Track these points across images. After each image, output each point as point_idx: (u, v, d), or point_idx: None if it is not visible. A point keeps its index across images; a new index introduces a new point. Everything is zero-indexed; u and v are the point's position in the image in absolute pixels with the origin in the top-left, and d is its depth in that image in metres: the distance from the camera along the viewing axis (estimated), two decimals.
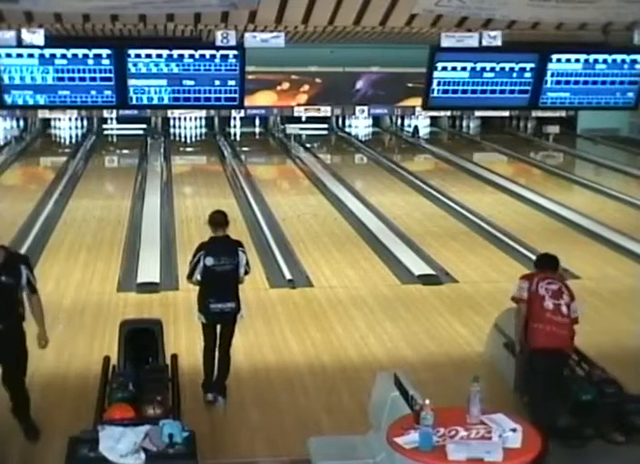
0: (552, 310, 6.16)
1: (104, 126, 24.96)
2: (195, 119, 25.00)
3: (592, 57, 8.28)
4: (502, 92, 8.28)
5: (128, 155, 22.85)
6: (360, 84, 21.70)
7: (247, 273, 6.95)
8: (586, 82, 8.36)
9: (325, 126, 25.40)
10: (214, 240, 6.84)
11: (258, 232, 12.67)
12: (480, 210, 14.21)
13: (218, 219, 6.83)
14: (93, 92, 7.73)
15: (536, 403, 6.06)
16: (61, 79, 7.67)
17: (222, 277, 6.75)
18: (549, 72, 8.25)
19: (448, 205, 14.84)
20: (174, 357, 6.81)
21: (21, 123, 24.28)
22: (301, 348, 8.15)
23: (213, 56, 7.72)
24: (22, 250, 11.47)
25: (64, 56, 7.59)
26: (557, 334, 6.15)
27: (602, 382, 6.38)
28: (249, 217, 13.59)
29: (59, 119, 24.47)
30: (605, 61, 8.30)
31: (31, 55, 7.55)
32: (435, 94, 8.20)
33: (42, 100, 7.77)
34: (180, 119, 24.82)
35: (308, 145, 22.60)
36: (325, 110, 22.73)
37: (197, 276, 6.77)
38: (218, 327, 6.94)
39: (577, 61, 8.30)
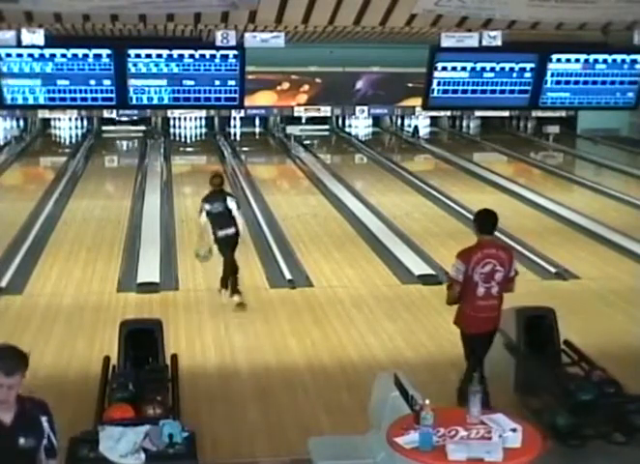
0: (483, 296, 6.31)
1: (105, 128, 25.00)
2: (195, 119, 25.01)
3: (592, 57, 8.28)
4: (502, 92, 8.28)
5: (128, 155, 22.88)
6: (360, 84, 21.70)
7: (238, 209, 9.32)
8: (586, 82, 8.35)
9: (326, 127, 25.40)
10: (211, 192, 9.28)
11: (258, 232, 12.67)
12: None
13: (216, 183, 9.28)
14: (93, 92, 7.74)
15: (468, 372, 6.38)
16: (61, 79, 7.67)
17: (218, 215, 9.17)
18: (549, 72, 8.24)
19: (448, 205, 14.84)
20: (174, 357, 6.81)
21: (21, 123, 24.28)
22: (301, 348, 8.15)
23: (213, 56, 7.72)
24: (22, 250, 11.50)
25: (64, 56, 7.59)
26: (488, 319, 6.42)
27: (602, 382, 6.38)
28: (249, 216, 13.58)
29: (59, 119, 24.48)
30: (605, 61, 8.30)
31: (31, 55, 7.56)
32: (435, 94, 8.20)
33: (41, 99, 7.77)
34: (180, 119, 24.84)
35: (308, 142, 22.61)
36: (325, 110, 22.73)
37: (204, 218, 9.22)
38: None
39: (577, 61, 8.30)
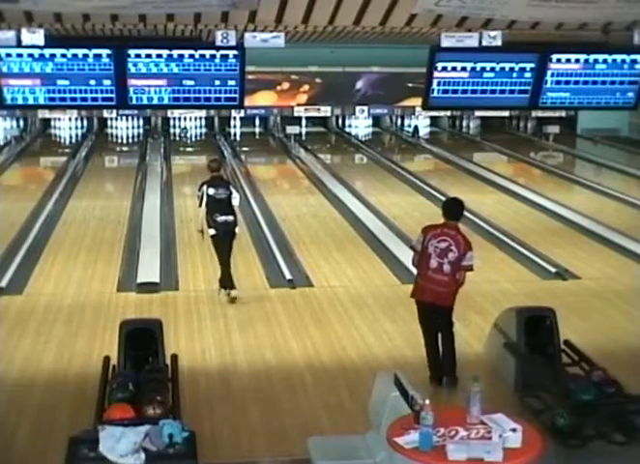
0: (434, 268, 6.92)
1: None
2: (195, 119, 25.03)
3: (592, 57, 8.27)
4: (502, 92, 8.27)
5: (128, 155, 22.90)
6: (360, 84, 21.74)
7: (238, 202, 9.43)
8: (586, 82, 8.35)
9: (323, 129, 25.43)
10: (212, 178, 9.37)
11: (258, 232, 12.68)
12: (480, 210, 14.21)
13: (214, 166, 9.50)
14: (93, 92, 7.73)
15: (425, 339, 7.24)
16: (61, 79, 7.67)
17: (221, 201, 9.21)
18: (549, 72, 8.24)
19: None
20: (174, 357, 6.81)
21: (21, 123, 24.29)
22: (301, 348, 8.15)
23: (213, 56, 7.72)
24: (22, 250, 11.52)
25: (64, 56, 7.59)
26: (433, 291, 6.98)
27: (602, 382, 6.38)
28: (250, 216, 13.59)
29: (59, 119, 24.49)
30: (605, 61, 8.29)
31: (31, 55, 7.56)
32: (435, 94, 8.19)
33: (41, 99, 7.77)
34: (180, 119, 24.86)
35: (307, 140, 22.62)
36: (325, 110, 22.76)
37: (204, 204, 9.18)
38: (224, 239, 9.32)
39: (577, 61, 8.29)
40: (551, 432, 5.77)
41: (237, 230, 9.45)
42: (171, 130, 24.69)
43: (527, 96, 8.34)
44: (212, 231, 9.28)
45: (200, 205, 9.30)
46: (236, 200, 9.35)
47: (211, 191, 9.20)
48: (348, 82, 21.63)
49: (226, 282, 9.40)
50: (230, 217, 9.26)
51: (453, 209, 7.11)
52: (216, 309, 9.18)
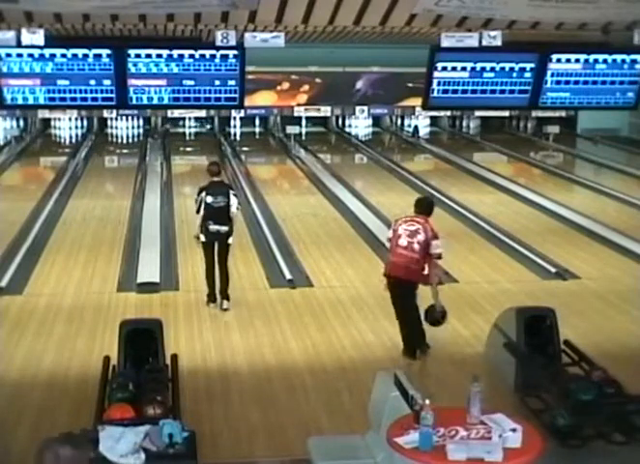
0: (405, 246, 7.60)
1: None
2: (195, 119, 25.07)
3: (592, 57, 8.28)
4: (502, 92, 8.28)
5: (128, 155, 22.90)
6: (360, 84, 21.71)
7: (237, 209, 9.21)
8: (586, 82, 8.36)
9: (323, 129, 25.43)
10: (212, 183, 9.05)
11: (258, 232, 12.67)
12: (480, 210, 14.21)
13: (214, 170, 9.12)
14: (93, 92, 7.74)
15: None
16: (61, 79, 7.67)
17: (218, 210, 8.94)
18: (549, 72, 8.25)
19: (447, 205, 14.83)
20: (174, 357, 6.81)
21: (21, 123, 24.29)
22: (301, 348, 8.15)
23: (213, 56, 7.73)
24: (22, 250, 11.52)
25: (64, 56, 7.59)
26: (405, 267, 7.57)
27: (602, 382, 6.38)
28: (250, 216, 13.59)
29: (59, 119, 24.48)
30: (605, 61, 8.30)
31: (31, 55, 7.56)
32: (435, 94, 8.20)
33: (41, 99, 7.77)
34: (179, 119, 24.88)
35: (307, 140, 22.61)
36: (325, 110, 22.75)
37: (202, 211, 8.92)
38: (216, 246, 9.08)
39: (577, 61, 8.30)
40: (551, 432, 5.78)
41: (230, 241, 9.11)
42: (171, 130, 24.73)
43: (527, 96, 8.35)
44: (202, 238, 9.08)
45: (198, 211, 9.07)
46: (234, 207, 9.05)
47: (209, 199, 8.94)
48: (348, 82, 21.60)
49: (215, 295, 9.20)
50: (223, 228, 8.97)
51: (422, 205, 7.95)
52: (216, 309, 9.18)
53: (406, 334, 7.84)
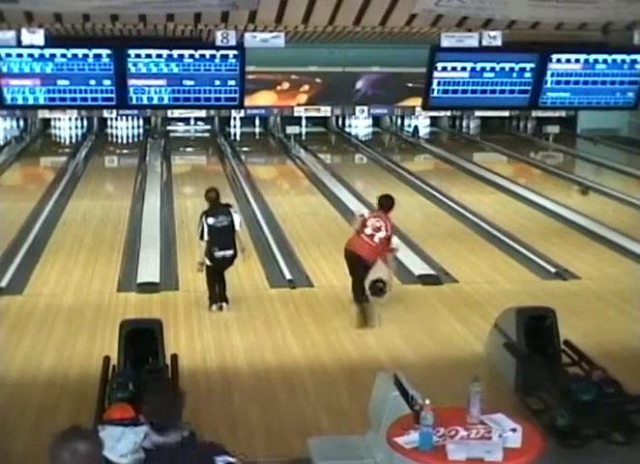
0: (369, 235, 8.75)
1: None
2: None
3: (592, 57, 8.29)
4: (502, 92, 8.29)
5: (128, 155, 22.90)
6: (360, 84, 21.71)
7: (240, 226, 9.21)
8: (586, 82, 8.36)
9: (323, 129, 25.42)
10: (211, 206, 9.05)
11: (258, 232, 12.67)
12: (480, 210, 14.20)
13: (212, 196, 9.10)
14: (93, 92, 7.74)
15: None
16: (61, 79, 7.68)
17: (222, 231, 8.88)
18: (549, 72, 8.25)
19: (448, 205, 14.84)
20: (174, 357, 6.81)
21: (21, 123, 24.28)
22: (301, 348, 8.15)
23: (213, 56, 7.73)
24: (22, 250, 11.51)
25: (64, 56, 7.59)
26: (368, 248, 8.72)
27: (602, 382, 6.38)
28: (250, 217, 13.59)
29: (59, 119, 24.47)
30: (605, 61, 8.30)
31: (31, 55, 7.56)
32: (435, 94, 8.21)
33: (41, 99, 7.77)
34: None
35: (307, 140, 22.61)
36: (325, 110, 22.75)
37: (205, 236, 8.84)
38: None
39: (577, 61, 8.31)
40: (551, 432, 5.78)
41: (236, 260, 9.11)
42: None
43: (527, 96, 8.36)
44: (208, 262, 8.93)
45: (201, 237, 8.89)
46: (237, 225, 8.96)
47: (210, 221, 8.82)
48: (348, 82, 21.60)
49: (216, 297, 9.16)
50: (229, 252, 8.89)
51: (383, 202, 9.10)
52: (215, 309, 9.17)
53: (357, 291, 8.88)
